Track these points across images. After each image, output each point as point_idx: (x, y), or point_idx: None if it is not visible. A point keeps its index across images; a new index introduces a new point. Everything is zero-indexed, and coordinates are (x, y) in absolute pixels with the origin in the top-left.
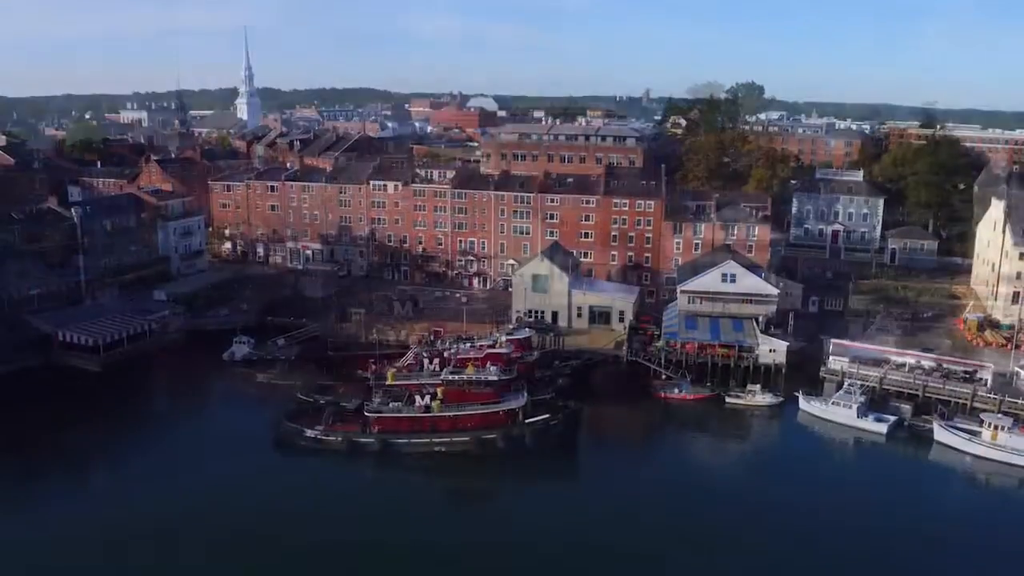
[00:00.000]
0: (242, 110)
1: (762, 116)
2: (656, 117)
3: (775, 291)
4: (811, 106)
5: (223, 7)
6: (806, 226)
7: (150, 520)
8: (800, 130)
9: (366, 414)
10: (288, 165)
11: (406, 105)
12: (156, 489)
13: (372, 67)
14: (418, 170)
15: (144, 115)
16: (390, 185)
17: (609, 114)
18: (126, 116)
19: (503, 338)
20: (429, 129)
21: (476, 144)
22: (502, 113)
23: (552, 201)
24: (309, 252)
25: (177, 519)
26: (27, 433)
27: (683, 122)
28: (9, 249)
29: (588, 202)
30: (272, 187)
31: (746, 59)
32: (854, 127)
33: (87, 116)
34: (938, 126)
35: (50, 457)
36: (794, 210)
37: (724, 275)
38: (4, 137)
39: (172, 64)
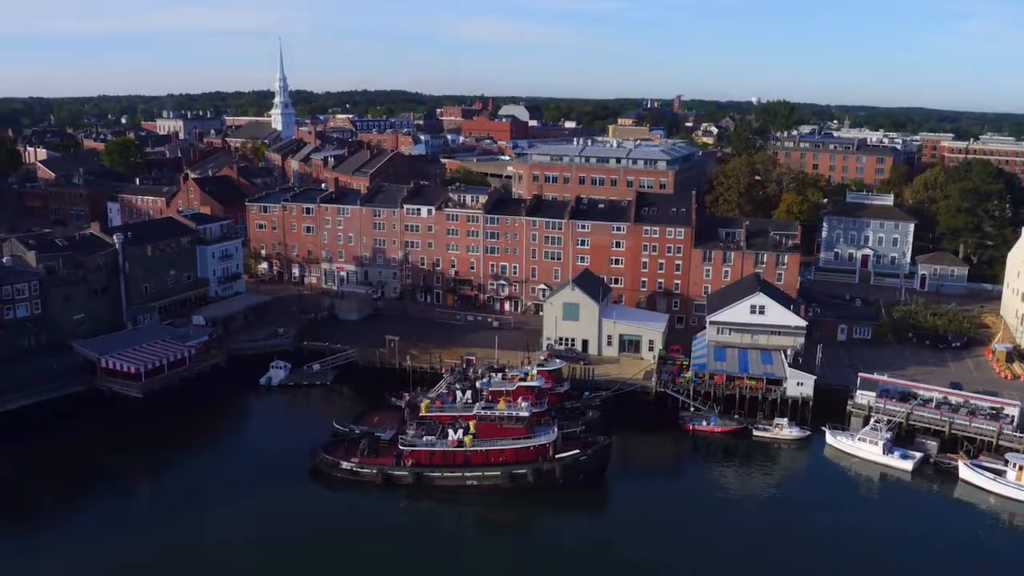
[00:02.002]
0: (276, 120)
1: (792, 132)
2: (688, 124)
3: (804, 323)
4: (842, 110)
5: (257, 9)
6: (836, 250)
7: (189, 548)
8: (832, 146)
9: (400, 447)
10: (323, 185)
11: (438, 111)
12: (194, 517)
13: (403, 69)
14: (451, 194)
15: (180, 124)
16: (423, 209)
17: (640, 121)
18: (162, 125)
19: (534, 370)
20: (461, 140)
21: (508, 158)
22: (533, 123)
23: (583, 227)
24: (344, 273)
25: (216, 548)
26: (71, 458)
27: (714, 130)
28: (54, 276)
29: (619, 229)
30: (307, 209)
31: (776, 62)
32: (886, 140)
33: (123, 120)
34: (971, 139)
35: (92, 482)
36: (824, 234)
37: (753, 307)
38: (45, 151)
39: (206, 65)
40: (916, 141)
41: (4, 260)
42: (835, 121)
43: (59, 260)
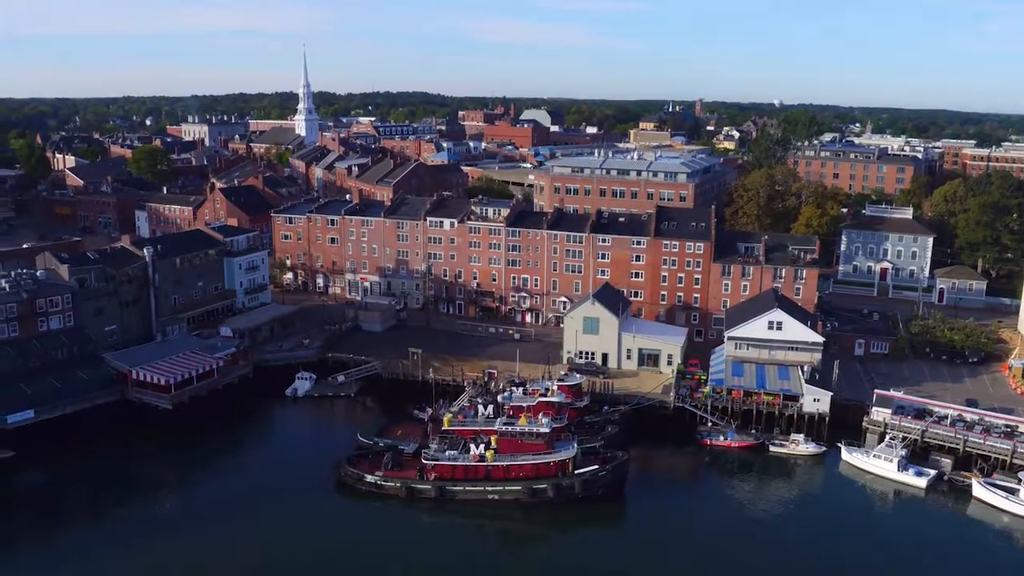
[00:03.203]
0: (300, 126)
1: (813, 141)
2: (709, 128)
3: (821, 339)
4: (865, 112)
5: (279, 10)
6: (854, 263)
7: (215, 556)
8: (852, 155)
9: (423, 461)
10: (347, 196)
11: (460, 114)
12: (221, 527)
13: (425, 70)
14: (474, 207)
15: (205, 129)
16: (446, 222)
17: (661, 125)
18: (188, 129)
19: (554, 385)
20: (483, 146)
21: (529, 165)
22: (555, 128)
23: (603, 241)
24: (367, 284)
25: (241, 557)
26: (103, 467)
27: (736, 134)
28: (86, 289)
29: (639, 243)
30: (332, 220)
31: (798, 64)
32: (907, 148)
33: (147, 122)
34: (993, 146)
35: (122, 491)
36: (843, 247)
37: (770, 323)
38: (73, 158)
39: (230, 66)
40: (938, 148)
41: (38, 273)
42: (857, 124)
43: (91, 273)
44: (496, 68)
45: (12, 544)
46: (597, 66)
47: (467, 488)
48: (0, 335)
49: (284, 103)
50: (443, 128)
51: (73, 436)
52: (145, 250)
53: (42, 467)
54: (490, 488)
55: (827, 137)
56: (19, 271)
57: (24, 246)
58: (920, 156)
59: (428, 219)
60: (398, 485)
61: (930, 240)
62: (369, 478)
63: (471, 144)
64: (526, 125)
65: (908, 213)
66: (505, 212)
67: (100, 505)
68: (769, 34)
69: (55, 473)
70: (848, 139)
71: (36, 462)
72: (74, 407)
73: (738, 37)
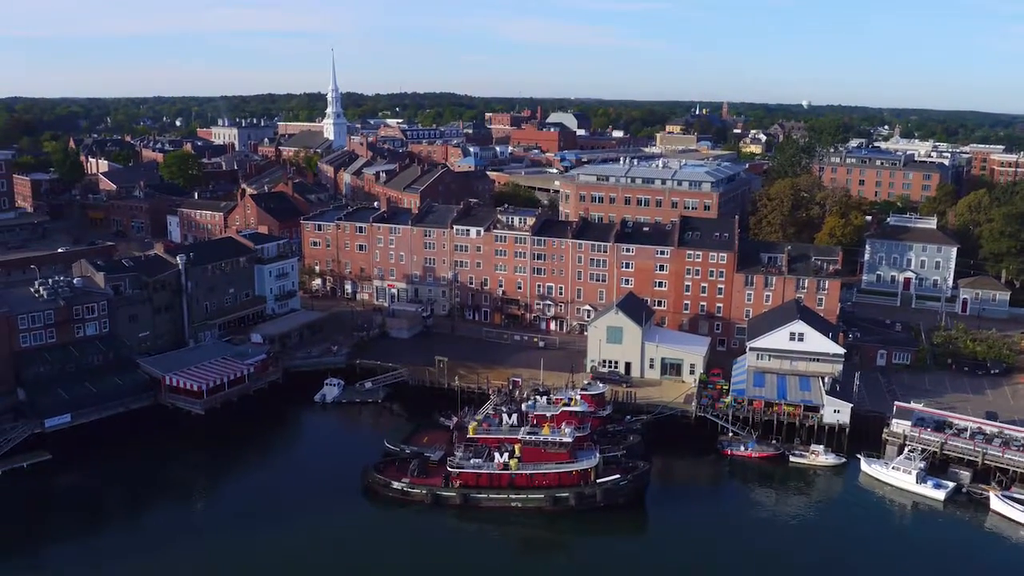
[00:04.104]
0: (328, 130)
1: (839, 147)
2: (736, 131)
3: (842, 351)
4: (894, 114)
5: (307, 11)
6: (878, 272)
7: (244, 560)
8: (878, 162)
9: (448, 469)
10: (375, 204)
11: (487, 116)
12: (250, 531)
13: (452, 70)
14: (500, 216)
15: (235, 133)
16: (472, 230)
17: (688, 128)
18: (218, 133)
19: (578, 395)
20: (510, 150)
21: (555, 171)
22: (581, 132)
23: (628, 251)
24: (395, 291)
25: (269, 561)
26: (136, 470)
27: (763, 137)
28: (121, 296)
29: (662, 252)
30: (360, 228)
31: (827, 65)
32: (934, 154)
33: (177, 123)
34: (1021, 153)
35: (155, 494)
36: (866, 256)
37: (792, 334)
38: (106, 162)
39: (258, 67)
40: (965, 153)
41: (74, 280)
42: (886, 127)
43: (125, 280)
44: (523, 68)
45: (48, 544)
46: (624, 66)
47: (491, 496)
48: (38, 341)
49: (312, 104)
50: (470, 131)
51: (108, 440)
52: (178, 258)
53: (78, 470)
54: (514, 496)
55: (853, 143)
56: (56, 278)
57: (59, 250)
58: (947, 163)
59: (455, 227)
60: (424, 492)
61: (954, 250)
62: (396, 485)
63: (497, 149)
64: (552, 129)
65: (932, 223)
66: (531, 221)
67: (133, 507)
68: (795, 34)
69: (90, 475)
70: (875, 144)
71: (72, 465)
72: (109, 412)
73: (766, 38)
